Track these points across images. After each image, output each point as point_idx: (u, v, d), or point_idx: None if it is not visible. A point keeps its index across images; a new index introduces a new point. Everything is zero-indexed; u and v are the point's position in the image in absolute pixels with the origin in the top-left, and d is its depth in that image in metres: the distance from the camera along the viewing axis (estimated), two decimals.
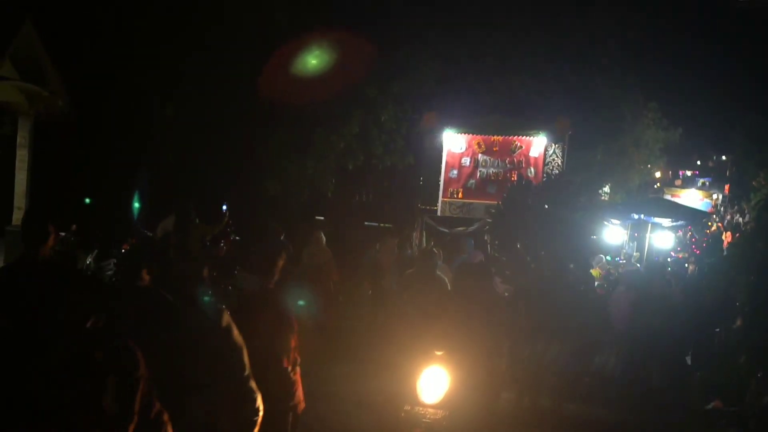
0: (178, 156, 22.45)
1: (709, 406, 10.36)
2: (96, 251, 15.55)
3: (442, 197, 23.55)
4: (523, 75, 28.28)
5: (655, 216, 24.43)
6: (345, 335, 15.00)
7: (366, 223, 26.61)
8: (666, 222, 24.91)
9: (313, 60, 23.71)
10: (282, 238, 15.41)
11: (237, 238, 16.83)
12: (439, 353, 6.83)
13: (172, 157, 22.43)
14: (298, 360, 6.81)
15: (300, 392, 6.88)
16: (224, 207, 17.04)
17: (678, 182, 70.45)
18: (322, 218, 24.02)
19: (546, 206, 14.01)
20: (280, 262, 6.78)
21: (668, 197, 46.02)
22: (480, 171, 23.15)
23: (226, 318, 5.61)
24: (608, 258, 22.22)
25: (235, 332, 5.61)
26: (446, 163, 23.45)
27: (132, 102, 21.60)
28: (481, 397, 8.47)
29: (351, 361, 13.19)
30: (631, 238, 27.88)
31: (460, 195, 23.42)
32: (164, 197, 18.37)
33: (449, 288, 11.58)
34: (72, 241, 15.55)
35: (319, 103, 23.29)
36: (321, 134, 24.05)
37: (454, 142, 23.43)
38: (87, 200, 19.58)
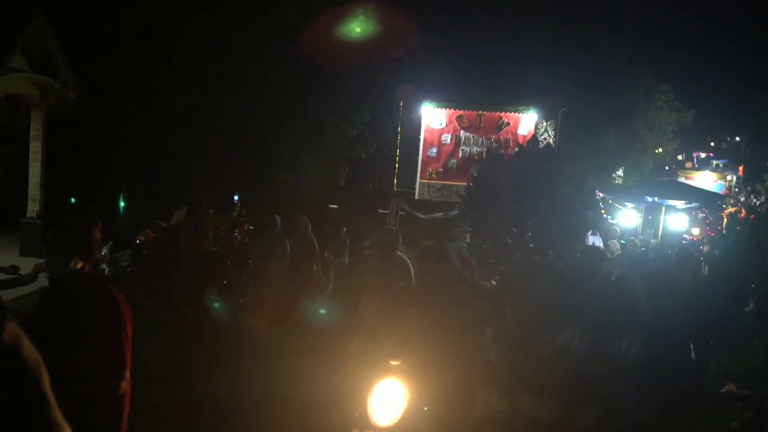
0: (191, 147, 22.48)
1: (723, 390, 10.23)
2: (110, 243, 15.57)
3: (420, 178, 21.67)
4: (513, 45, 27.22)
5: (669, 198, 24.30)
6: (309, 330, 13.05)
7: (380, 210, 26.32)
8: (680, 204, 24.79)
9: (324, 49, 23.61)
10: (309, 229, 15.21)
11: (251, 227, 16.86)
12: (395, 363, 5.83)
13: (184, 149, 22.46)
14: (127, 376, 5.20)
15: (126, 419, 5.26)
16: (236, 197, 17.08)
17: (689, 164, 70.01)
18: (335, 206, 23.94)
19: (522, 180, 12.60)
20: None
21: (682, 179, 45.83)
22: (462, 149, 21.37)
23: (10, 331, 3.46)
24: (623, 241, 21.56)
25: (26, 349, 3.50)
26: (424, 140, 21.60)
27: (143, 93, 21.62)
28: (451, 412, 7.39)
29: (302, 361, 11.33)
30: (646, 222, 27.75)
31: (439, 176, 21.52)
32: (178, 188, 18.42)
33: (412, 271, 11.05)
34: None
35: (330, 92, 23.26)
36: (332, 123, 23.94)
37: (433, 117, 21.54)
38: (72, 200, 19.52)
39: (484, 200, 12.96)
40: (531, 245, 11.95)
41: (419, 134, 21.62)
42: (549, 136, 20.74)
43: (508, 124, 21.15)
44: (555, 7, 28.42)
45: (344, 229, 17.24)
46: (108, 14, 20.84)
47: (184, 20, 22.15)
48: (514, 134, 20.93)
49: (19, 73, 17.08)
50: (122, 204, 19.11)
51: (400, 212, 21.10)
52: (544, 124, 20.83)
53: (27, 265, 16.49)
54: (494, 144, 20.94)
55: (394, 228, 11.85)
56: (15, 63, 16.66)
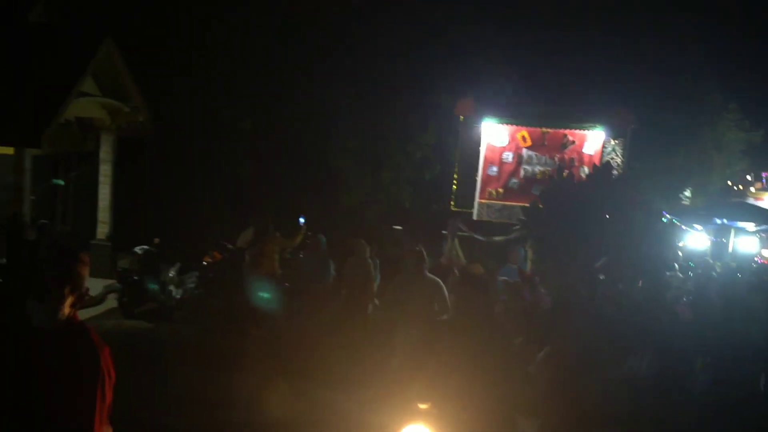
0: (256, 170, 22.62)
1: None
2: (178, 265, 15.70)
3: (479, 198, 20.43)
4: (579, 58, 25.83)
5: (738, 220, 23.87)
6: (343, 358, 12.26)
7: (443, 231, 26.06)
8: (750, 226, 24.33)
9: (388, 71, 23.61)
10: (367, 253, 14.90)
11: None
12: (423, 406, 5.51)
13: (250, 171, 22.60)
14: None
15: None
16: (302, 220, 17.12)
17: (758, 185, 68.64)
18: (399, 228, 23.84)
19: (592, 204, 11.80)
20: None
21: (751, 200, 45.02)
22: (524, 169, 20.01)
23: None
24: (691, 264, 20.81)
25: None
26: (485, 158, 20.24)
27: (210, 115, 21.83)
28: None
29: (330, 393, 10.76)
30: (715, 244, 27.25)
31: (499, 196, 20.15)
32: (244, 210, 18.53)
33: (445, 292, 10.59)
34: (155, 255, 15.75)
35: (395, 113, 23.25)
36: (397, 145, 23.89)
37: (494, 135, 20.20)
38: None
39: (549, 221, 12.28)
40: (600, 276, 11.19)
41: (479, 152, 20.42)
42: (617, 155, 19.49)
43: (573, 142, 19.89)
44: (621, 21, 27.74)
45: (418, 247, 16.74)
46: (176, 39, 21.13)
47: (250, 46, 22.38)
48: (580, 153, 19.78)
49: (90, 97, 17.34)
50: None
51: (458, 233, 19.60)
52: (612, 143, 19.53)
53: (96, 286, 16.77)
54: (558, 163, 19.45)
55: (418, 248, 11.23)
56: (86, 87, 16.91)
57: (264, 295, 14.07)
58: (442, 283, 10.76)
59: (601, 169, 13.48)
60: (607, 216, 11.52)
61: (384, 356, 10.78)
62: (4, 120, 15.07)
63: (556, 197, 12.75)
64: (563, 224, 11.92)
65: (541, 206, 13.31)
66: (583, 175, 18.32)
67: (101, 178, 18.71)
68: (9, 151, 16.27)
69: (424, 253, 11.03)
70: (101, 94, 17.81)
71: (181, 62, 21.26)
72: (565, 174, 16.67)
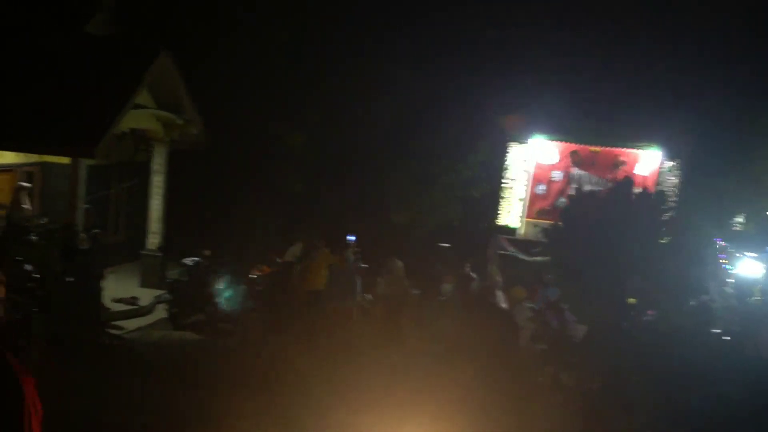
0: (307, 185, 22.68)
1: None
2: (228, 277, 15.76)
3: (526, 216, 20.35)
4: (634, 75, 24.84)
5: None
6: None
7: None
8: None
9: (439, 89, 23.54)
10: (402, 273, 14.80)
11: (364, 265, 16.82)
12: None
13: (301, 186, 22.66)
14: None
15: None
16: (351, 237, 17.10)
17: None
18: (447, 245, 23.75)
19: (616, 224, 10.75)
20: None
21: None
22: (575, 188, 19.00)
23: None
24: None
25: None
26: (533, 176, 20.13)
27: (262, 130, 21.93)
28: None
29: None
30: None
31: (547, 215, 19.41)
32: (293, 226, 18.57)
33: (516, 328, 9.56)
34: (204, 266, 15.82)
35: (446, 132, 23.18)
36: (448, 164, 23.82)
37: (543, 152, 19.98)
38: None
39: (571, 242, 11.59)
40: (629, 300, 10.56)
41: (527, 170, 20.34)
42: (673, 176, 19.11)
43: (624, 162, 19.40)
44: (675, 38, 26.96)
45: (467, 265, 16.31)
46: (232, 54, 21.27)
47: (301, 61, 22.49)
48: (632, 174, 18.72)
49: (145, 109, 17.49)
50: None
51: (500, 251, 19.34)
52: (668, 164, 18.99)
53: (146, 296, 16.90)
54: (610, 184, 18.55)
55: (494, 272, 10.63)
56: (141, 99, 17.06)
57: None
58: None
59: (623, 185, 12.74)
60: (634, 236, 10.68)
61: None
62: (61, 129, 15.23)
63: (579, 216, 12.14)
64: (586, 245, 11.27)
65: (562, 225, 12.81)
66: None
67: (153, 189, 18.85)
68: (65, 160, 16.47)
69: (472, 275, 10.36)
70: (156, 106, 17.95)
71: (236, 76, 21.39)
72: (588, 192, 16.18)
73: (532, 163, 20.06)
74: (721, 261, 21.23)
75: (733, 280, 19.98)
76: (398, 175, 23.78)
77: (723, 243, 22.74)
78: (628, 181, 13.15)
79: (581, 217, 11.55)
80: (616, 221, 10.88)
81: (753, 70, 28.94)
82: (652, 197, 10.91)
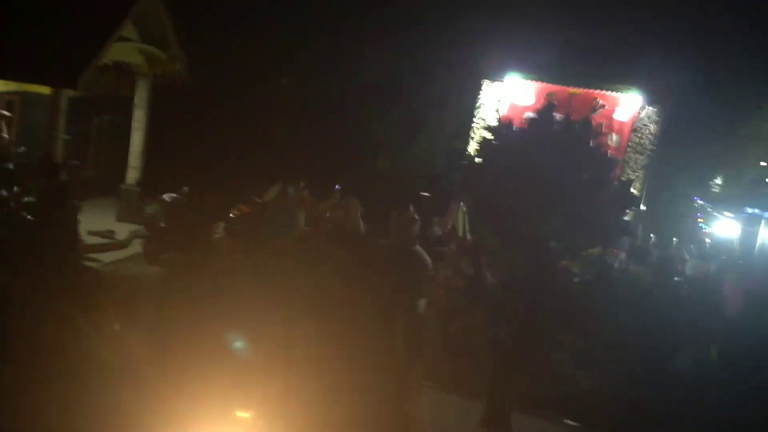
0: (292, 128, 22.56)
1: None
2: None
3: None
4: (618, 11, 23.86)
5: None
6: None
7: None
8: None
9: (428, 37, 23.35)
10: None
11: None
12: (243, 415, 4.41)
13: (285, 130, 22.54)
14: None
15: None
16: (337, 187, 16.99)
17: None
18: (428, 195, 23.64)
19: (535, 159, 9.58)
20: None
21: None
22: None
23: None
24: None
25: None
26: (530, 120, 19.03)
27: (248, 70, 21.77)
28: None
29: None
30: (744, 234, 26.77)
31: None
32: (276, 168, 18.45)
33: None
34: (183, 203, 15.73)
35: (434, 81, 23.01)
36: (434, 112, 23.67)
37: (519, 92, 18.86)
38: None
39: (490, 180, 10.02)
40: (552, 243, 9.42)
41: (500, 109, 19.13)
42: (650, 122, 18.05)
43: (604, 106, 18.37)
44: None
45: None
46: None
47: (292, 3, 22.26)
48: (610, 119, 18.22)
49: (129, 42, 17.30)
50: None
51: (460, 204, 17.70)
52: (647, 109, 17.94)
53: (123, 230, 16.83)
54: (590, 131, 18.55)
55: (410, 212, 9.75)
56: (125, 32, 16.87)
57: None
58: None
59: (544, 111, 10.86)
60: (555, 170, 9.39)
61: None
62: (43, 59, 15.06)
63: (500, 150, 10.37)
64: (505, 182, 9.79)
65: (473, 165, 11.15)
66: (611, 143, 17.35)
67: (134, 124, 18.72)
68: (46, 90, 16.29)
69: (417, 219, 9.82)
70: (140, 40, 17.77)
71: (223, 14, 21.17)
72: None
73: (506, 104, 19.10)
74: (698, 220, 21.28)
75: (708, 240, 20.04)
76: (383, 122, 23.68)
77: (701, 201, 22.79)
78: (550, 106, 11.39)
79: (502, 151, 10.02)
80: (536, 153, 9.56)
81: (748, 22, 28.36)
82: (576, 125, 9.45)
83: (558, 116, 10.15)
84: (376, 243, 11.63)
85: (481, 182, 10.10)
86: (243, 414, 4.23)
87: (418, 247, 8.93)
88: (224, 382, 5.43)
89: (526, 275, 8.49)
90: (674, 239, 16.84)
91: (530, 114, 10.37)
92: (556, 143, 9.50)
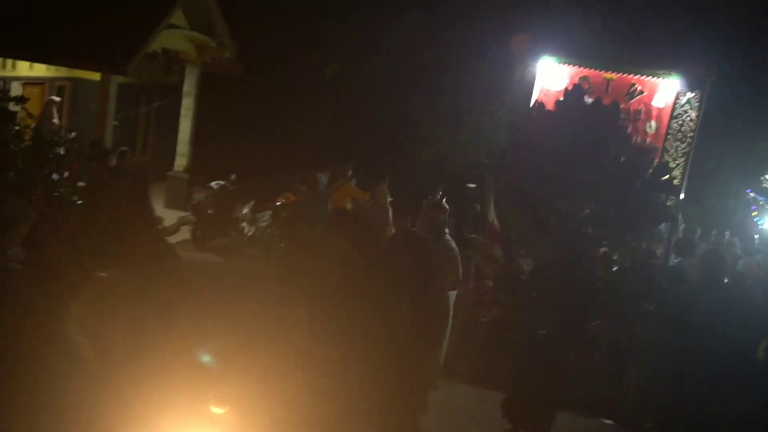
0: (337, 117, 22.57)
1: None
2: (252, 203, 15.77)
3: None
4: None
5: None
6: None
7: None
8: None
9: (474, 27, 23.15)
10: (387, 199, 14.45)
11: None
12: (218, 410, 4.14)
13: (331, 118, 22.56)
14: None
15: None
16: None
17: None
18: (473, 186, 23.53)
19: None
20: None
21: None
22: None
23: None
24: None
25: None
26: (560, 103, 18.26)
27: (296, 59, 21.81)
28: None
29: None
30: None
31: None
32: (322, 156, 18.48)
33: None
34: (230, 191, 15.83)
35: (480, 71, 22.83)
36: (481, 102, 23.49)
37: (551, 77, 16.90)
38: None
39: (520, 161, 9.56)
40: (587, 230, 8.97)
41: (530, 96, 18.52)
42: (691, 109, 17.71)
43: (642, 92, 16.76)
44: None
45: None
46: None
47: None
48: (648, 105, 16.75)
49: (179, 29, 17.39)
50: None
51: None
52: (687, 95, 16.38)
53: (171, 217, 16.95)
54: (622, 115, 17.58)
55: (436, 199, 9.83)
56: (175, 19, 16.95)
57: None
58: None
59: (573, 93, 10.07)
60: (585, 154, 8.96)
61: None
62: (93, 45, 15.18)
63: (530, 135, 9.83)
64: (537, 168, 9.34)
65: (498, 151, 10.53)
66: (650, 130, 17.09)
67: (183, 111, 18.83)
68: (95, 76, 16.45)
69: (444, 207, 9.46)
70: (190, 28, 17.86)
71: (270, 2, 21.23)
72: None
73: (537, 88, 18.25)
74: (752, 213, 20.74)
75: (758, 235, 19.53)
76: (430, 112, 23.57)
77: (753, 194, 22.25)
78: (579, 88, 10.44)
79: (531, 134, 9.57)
80: (566, 136, 9.13)
81: None
82: (605, 107, 8.81)
83: (588, 99, 9.68)
84: (384, 230, 11.41)
85: (510, 167, 9.63)
86: (218, 409, 3.98)
87: (447, 237, 9.02)
88: (198, 375, 5.00)
89: (558, 264, 8.06)
90: (726, 233, 16.27)
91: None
92: (587, 126, 8.99)
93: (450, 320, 9.24)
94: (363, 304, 5.16)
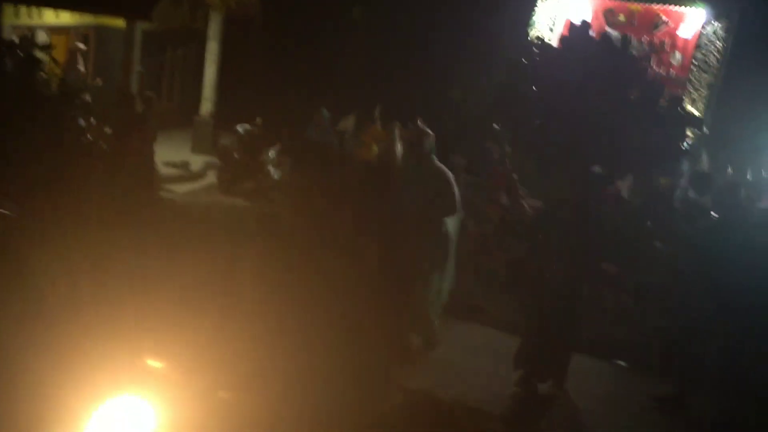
0: (367, 59, 22.44)
1: None
2: (278, 146, 15.79)
3: None
4: None
5: None
6: None
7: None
8: None
9: None
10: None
11: None
12: (155, 364, 3.71)
13: (360, 60, 22.44)
14: None
15: None
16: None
17: None
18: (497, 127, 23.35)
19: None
20: None
21: None
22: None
23: None
24: None
25: None
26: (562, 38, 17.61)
27: (321, 3, 21.68)
28: None
29: None
30: None
31: None
32: (349, 99, 18.41)
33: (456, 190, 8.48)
34: (256, 134, 15.85)
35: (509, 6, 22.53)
36: (509, 41, 23.24)
37: (575, 10, 17.58)
38: None
39: (530, 101, 9.36)
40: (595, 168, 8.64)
41: (554, 28, 17.94)
42: (717, 39, 16.62)
43: (667, 22, 17.06)
44: None
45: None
46: None
47: None
48: (673, 36, 16.98)
49: None
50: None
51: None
52: (714, 25, 16.49)
53: (197, 161, 17.05)
54: (647, 47, 16.75)
55: (419, 125, 9.19)
56: None
57: None
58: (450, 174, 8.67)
59: (578, 28, 9.77)
60: (595, 90, 8.69)
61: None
62: None
63: (537, 71, 9.55)
64: (545, 105, 9.16)
65: (506, 83, 10.27)
66: (674, 62, 16.52)
67: (208, 56, 18.78)
68: (120, 23, 16.46)
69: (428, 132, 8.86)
70: None
71: None
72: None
73: (561, 22, 17.70)
74: None
75: None
76: (459, 52, 23.37)
77: None
78: (584, 23, 9.97)
79: (538, 70, 9.30)
80: (575, 72, 8.82)
81: None
82: (614, 40, 8.54)
83: (593, 33, 9.45)
84: (359, 160, 11.10)
85: (516, 105, 9.47)
86: (154, 363, 3.63)
87: (435, 162, 8.55)
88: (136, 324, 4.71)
89: (567, 204, 7.80)
90: (749, 169, 15.72)
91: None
92: (597, 61, 8.88)
93: (451, 248, 8.89)
94: (320, 244, 5.00)
